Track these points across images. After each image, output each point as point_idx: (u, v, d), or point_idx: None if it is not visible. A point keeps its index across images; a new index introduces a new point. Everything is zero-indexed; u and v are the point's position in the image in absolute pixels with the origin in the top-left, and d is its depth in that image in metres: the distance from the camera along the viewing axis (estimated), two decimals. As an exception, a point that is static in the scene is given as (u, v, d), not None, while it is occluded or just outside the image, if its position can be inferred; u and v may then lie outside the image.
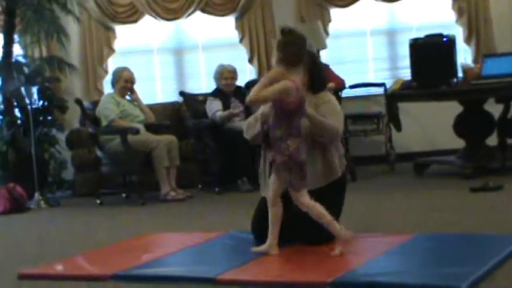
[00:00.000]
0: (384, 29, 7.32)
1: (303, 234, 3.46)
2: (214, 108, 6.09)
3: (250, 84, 5.97)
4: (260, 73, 7.15)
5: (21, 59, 6.69)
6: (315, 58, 3.69)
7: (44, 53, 6.96)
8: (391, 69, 7.29)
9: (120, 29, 7.27)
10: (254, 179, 4.38)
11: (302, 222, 3.47)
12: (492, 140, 5.96)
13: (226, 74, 6.23)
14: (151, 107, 6.39)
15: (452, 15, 7.08)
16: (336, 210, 3.54)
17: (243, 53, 7.21)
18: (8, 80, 6.25)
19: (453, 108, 6.03)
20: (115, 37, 7.24)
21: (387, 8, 7.23)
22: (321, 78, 3.63)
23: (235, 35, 7.21)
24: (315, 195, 3.36)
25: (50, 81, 6.76)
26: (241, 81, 6.57)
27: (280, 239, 3.41)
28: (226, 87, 6.22)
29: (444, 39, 5.74)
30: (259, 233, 3.61)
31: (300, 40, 3.28)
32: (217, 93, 6.25)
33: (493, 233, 3.56)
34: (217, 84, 6.30)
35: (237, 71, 6.40)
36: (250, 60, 7.19)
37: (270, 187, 3.36)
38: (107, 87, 6.83)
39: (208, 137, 6.04)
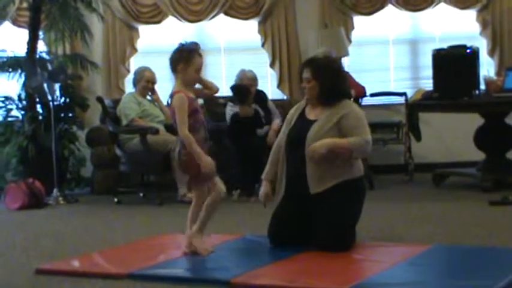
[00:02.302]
0: (406, 38, 7.30)
1: (319, 239, 3.46)
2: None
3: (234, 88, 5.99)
4: (281, 78, 7.16)
5: (45, 55, 6.75)
6: (322, 68, 3.62)
7: (68, 51, 7.03)
8: (412, 79, 7.27)
9: (143, 29, 7.31)
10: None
11: (319, 227, 3.48)
12: (513, 154, 5.92)
13: (245, 81, 6.24)
14: (172, 107, 6.41)
15: (476, 27, 7.05)
16: (352, 214, 3.54)
17: (264, 57, 7.23)
18: (31, 75, 6.30)
19: (474, 120, 5.99)
20: (138, 37, 7.29)
21: (411, 17, 7.21)
22: (331, 88, 3.59)
23: (257, 38, 7.23)
24: (331, 193, 3.43)
25: (73, 79, 6.81)
26: (262, 86, 6.57)
27: (297, 244, 3.46)
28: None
29: (467, 50, 5.70)
30: (276, 237, 3.62)
31: (174, 52, 3.55)
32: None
33: (512, 248, 3.54)
34: (238, 89, 6.32)
35: (258, 75, 6.38)
36: (272, 65, 7.20)
37: None
38: (129, 86, 6.87)
39: (228, 140, 6.05)
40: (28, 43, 6.51)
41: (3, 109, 6.66)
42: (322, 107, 3.63)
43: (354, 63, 7.16)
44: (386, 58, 7.30)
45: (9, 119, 6.67)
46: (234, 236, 3.99)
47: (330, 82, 3.59)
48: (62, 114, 6.59)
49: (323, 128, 3.53)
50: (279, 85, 7.18)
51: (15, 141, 6.44)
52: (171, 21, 7.26)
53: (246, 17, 7.20)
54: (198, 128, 3.54)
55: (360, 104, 6.30)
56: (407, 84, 7.21)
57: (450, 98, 5.69)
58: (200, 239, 3.52)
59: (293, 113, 3.77)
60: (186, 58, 3.51)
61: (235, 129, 5.95)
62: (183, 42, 3.60)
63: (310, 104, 3.70)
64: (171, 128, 6.08)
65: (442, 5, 7.06)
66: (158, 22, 7.25)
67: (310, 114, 3.66)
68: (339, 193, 3.49)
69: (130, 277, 3.17)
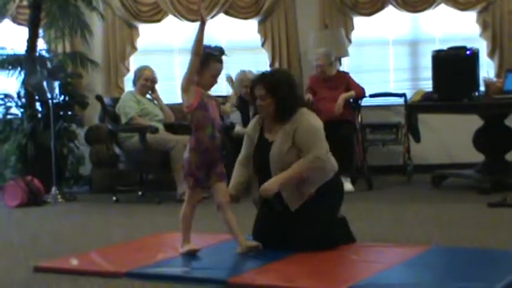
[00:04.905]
0: (406, 39, 7.30)
1: (304, 242, 3.47)
2: (234, 119, 6.09)
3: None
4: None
5: (44, 53, 6.74)
6: (276, 83, 3.56)
7: (68, 49, 7.02)
8: (412, 80, 7.26)
9: (143, 28, 7.31)
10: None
11: (303, 230, 3.48)
12: (512, 156, 5.92)
13: (246, 83, 6.23)
14: (172, 106, 6.41)
15: (476, 29, 7.05)
16: (331, 210, 3.57)
17: (264, 56, 7.22)
18: (31, 73, 6.30)
19: (473, 122, 6.00)
20: (138, 35, 7.28)
21: (411, 18, 7.21)
22: (288, 102, 3.52)
23: (257, 38, 7.23)
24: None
25: (72, 77, 6.82)
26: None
27: (284, 247, 3.47)
28: (246, 96, 6.24)
29: (467, 52, 5.71)
30: (259, 238, 3.62)
31: None
32: (237, 98, 6.26)
33: (510, 250, 3.54)
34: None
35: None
36: (272, 65, 7.19)
37: None
38: (128, 85, 6.87)
39: (225, 139, 6.04)
40: (28, 41, 6.51)
41: (3, 107, 6.66)
42: (278, 123, 3.57)
43: (354, 64, 7.16)
44: (386, 59, 7.30)
45: (9, 116, 6.66)
46: (231, 236, 3.97)
47: (286, 95, 3.53)
48: (61, 112, 6.59)
49: (282, 149, 3.50)
50: (279, 85, 7.17)
51: (14, 139, 6.44)
52: (171, 20, 7.25)
53: (246, 16, 7.20)
54: (206, 126, 3.52)
55: (359, 105, 6.32)
56: (407, 85, 7.20)
57: (450, 99, 5.69)
58: (245, 240, 3.52)
59: (253, 128, 3.70)
60: (202, 61, 3.47)
61: None
62: (206, 44, 3.54)
63: (267, 120, 3.64)
64: (170, 127, 6.10)
65: (443, 6, 7.06)
66: (158, 21, 7.24)
67: (268, 134, 3.63)
68: (316, 197, 3.51)
69: (128, 275, 3.17)
